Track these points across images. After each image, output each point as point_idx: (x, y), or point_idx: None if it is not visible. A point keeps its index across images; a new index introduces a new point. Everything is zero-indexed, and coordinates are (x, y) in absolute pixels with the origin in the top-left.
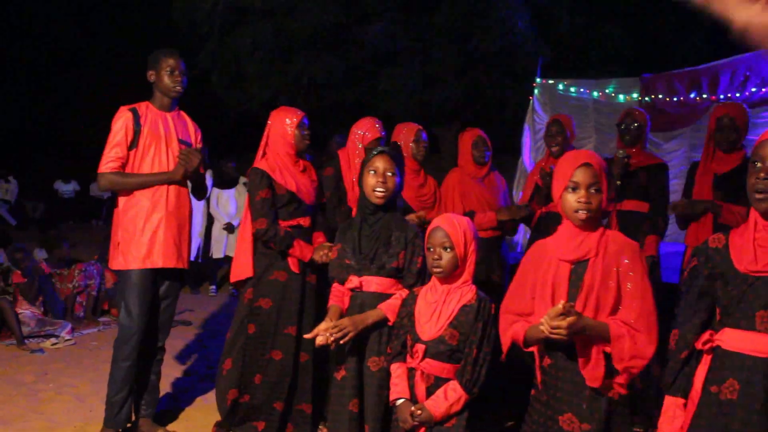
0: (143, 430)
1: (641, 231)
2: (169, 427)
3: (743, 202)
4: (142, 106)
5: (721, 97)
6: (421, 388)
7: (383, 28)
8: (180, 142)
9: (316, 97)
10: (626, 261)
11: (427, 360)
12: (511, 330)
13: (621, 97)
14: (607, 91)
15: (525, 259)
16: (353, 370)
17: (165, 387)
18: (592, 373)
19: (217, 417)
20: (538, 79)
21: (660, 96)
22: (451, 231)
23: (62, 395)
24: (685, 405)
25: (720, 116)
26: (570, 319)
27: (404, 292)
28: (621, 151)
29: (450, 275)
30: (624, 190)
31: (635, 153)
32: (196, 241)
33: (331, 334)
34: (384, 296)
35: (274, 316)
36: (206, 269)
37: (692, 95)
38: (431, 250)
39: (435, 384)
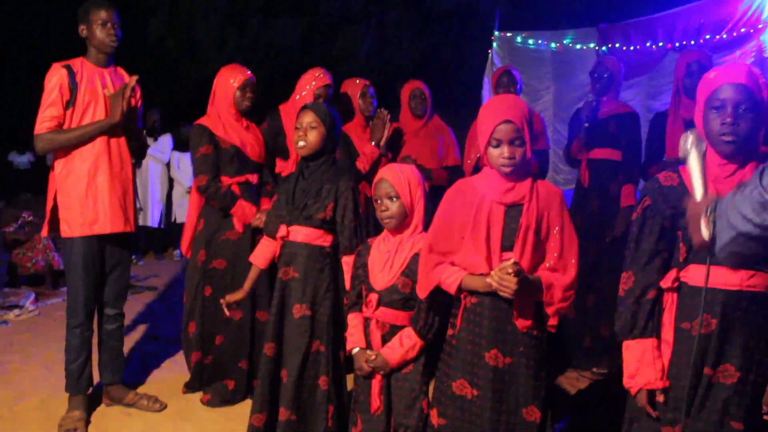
0: (113, 395)
1: (615, 181)
2: (139, 390)
3: None
4: (77, 63)
5: (677, 44)
6: (376, 337)
7: None
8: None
9: (273, 61)
10: (554, 205)
11: (381, 309)
12: (439, 273)
13: (578, 46)
14: (564, 42)
15: (449, 198)
16: (274, 315)
17: (133, 352)
18: (523, 322)
19: (187, 379)
20: (496, 32)
21: (617, 45)
22: (394, 180)
23: (29, 365)
24: (655, 345)
25: (690, 62)
26: (519, 278)
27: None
28: (591, 95)
29: (400, 224)
30: (594, 139)
31: (606, 101)
32: (158, 206)
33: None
34: (310, 246)
35: (228, 276)
36: (170, 234)
37: (648, 44)
38: (378, 202)
39: (390, 332)
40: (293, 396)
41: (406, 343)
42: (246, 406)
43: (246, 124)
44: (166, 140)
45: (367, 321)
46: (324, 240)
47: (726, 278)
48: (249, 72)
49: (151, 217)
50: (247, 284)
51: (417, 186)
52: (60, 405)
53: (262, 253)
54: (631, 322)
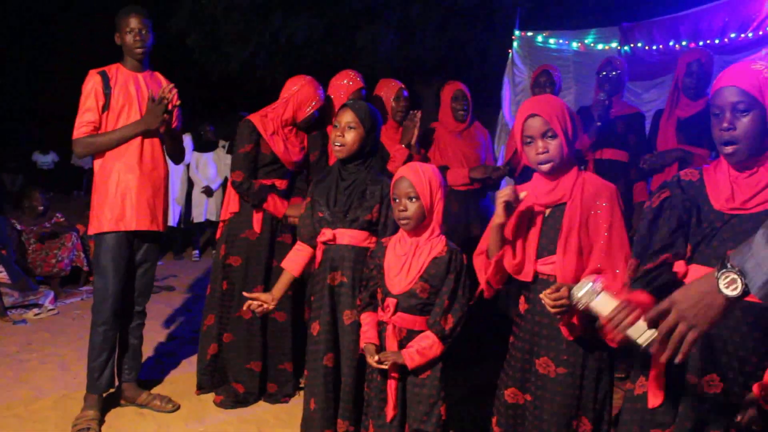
0: (127, 394)
1: (623, 182)
2: (154, 390)
3: (706, 145)
4: (112, 68)
5: (701, 43)
6: (392, 342)
7: None
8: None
9: (295, 57)
10: (604, 204)
11: (398, 314)
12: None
13: (600, 46)
14: (586, 41)
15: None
16: (327, 324)
17: (149, 351)
18: (569, 331)
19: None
20: (516, 32)
21: (639, 45)
22: (415, 180)
23: (46, 364)
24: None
25: (690, 61)
26: (564, 299)
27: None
28: (602, 94)
29: (417, 226)
30: (603, 139)
31: (614, 101)
32: (177, 207)
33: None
34: (357, 249)
35: (242, 274)
36: (188, 234)
37: (671, 43)
38: (397, 200)
39: (407, 337)
40: (353, 407)
41: (425, 344)
42: (259, 408)
43: (295, 131)
44: (185, 140)
45: (382, 325)
46: (369, 241)
47: None
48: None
49: (171, 217)
50: (277, 291)
51: (438, 188)
52: (76, 404)
53: (296, 260)
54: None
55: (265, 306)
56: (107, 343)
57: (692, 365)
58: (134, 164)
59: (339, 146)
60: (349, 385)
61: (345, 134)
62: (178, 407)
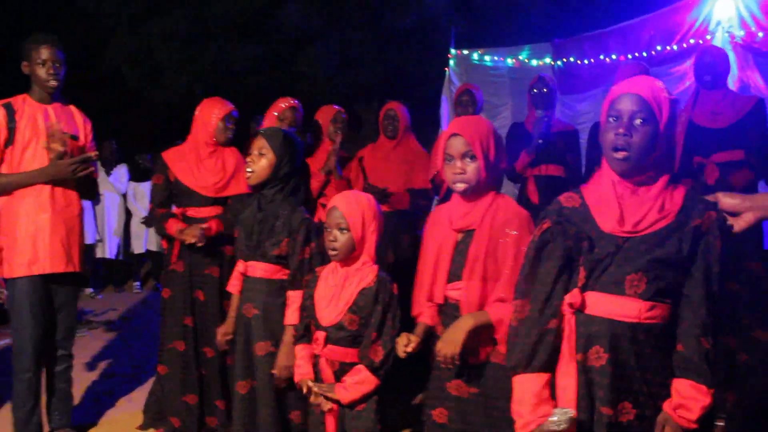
0: None
1: None
2: None
3: None
4: (18, 100)
5: (629, 56)
6: (327, 374)
7: (297, 10)
8: (72, 137)
9: (235, 84)
10: (513, 232)
11: (329, 346)
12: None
13: (534, 62)
14: (520, 57)
15: (426, 226)
16: (242, 353)
17: (85, 392)
18: (475, 358)
19: (140, 418)
20: (452, 50)
21: (572, 59)
22: (347, 211)
23: None
24: (550, 381)
25: (625, 74)
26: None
27: None
28: (539, 111)
29: (347, 257)
30: (542, 155)
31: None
32: (115, 239)
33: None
34: (269, 281)
35: (170, 306)
36: (128, 266)
37: (602, 57)
38: (328, 230)
39: (341, 369)
40: None
41: (358, 380)
42: None
43: (217, 154)
44: (122, 171)
45: (316, 356)
46: (283, 273)
47: (624, 309)
48: (230, 105)
49: (109, 249)
50: (231, 312)
51: (371, 219)
52: None
53: (238, 281)
54: (529, 355)
55: (228, 335)
56: (32, 391)
57: (603, 397)
58: (45, 203)
59: (249, 172)
60: (268, 416)
61: (255, 161)
62: None
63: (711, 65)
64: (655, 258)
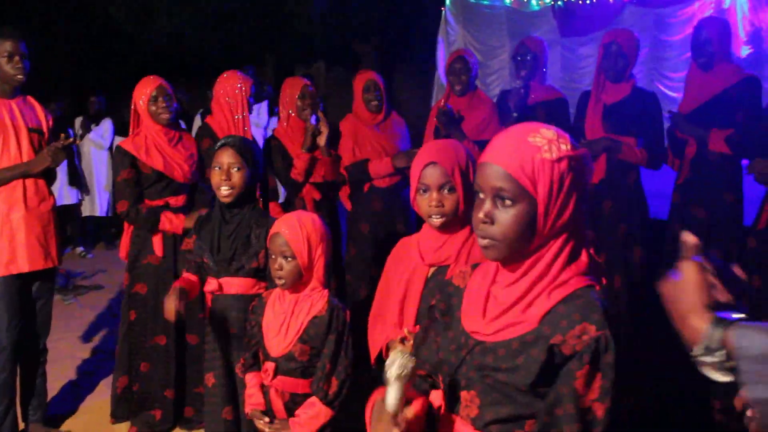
0: None
1: None
2: (65, 426)
3: (633, 133)
4: None
5: None
6: (278, 405)
7: None
8: (30, 131)
9: (226, 28)
10: None
11: (279, 377)
12: (381, 339)
13: (534, 2)
14: None
15: (391, 256)
16: (222, 377)
17: (65, 373)
18: None
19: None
20: None
21: None
22: (291, 237)
23: None
24: None
25: (607, 43)
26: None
27: None
28: (518, 81)
29: (295, 284)
30: None
31: (534, 87)
32: (105, 194)
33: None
34: (246, 297)
35: (151, 300)
36: (120, 222)
37: None
38: (273, 257)
39: (291, 400)
40: None
41: (311, 413)
42: None
43: (176, 138)
44: (106, 125)
45: (266, 387)
46: (259, 287)
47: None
48: (158, 80)
49: (99, 206)
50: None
51: (318, 242)
52: None
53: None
54: None
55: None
56: (8, 390)
57: None
58: (19, 201)
59: (227, 191)
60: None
61: (231, 177)
62: None
63: (706, 43)
64: None
